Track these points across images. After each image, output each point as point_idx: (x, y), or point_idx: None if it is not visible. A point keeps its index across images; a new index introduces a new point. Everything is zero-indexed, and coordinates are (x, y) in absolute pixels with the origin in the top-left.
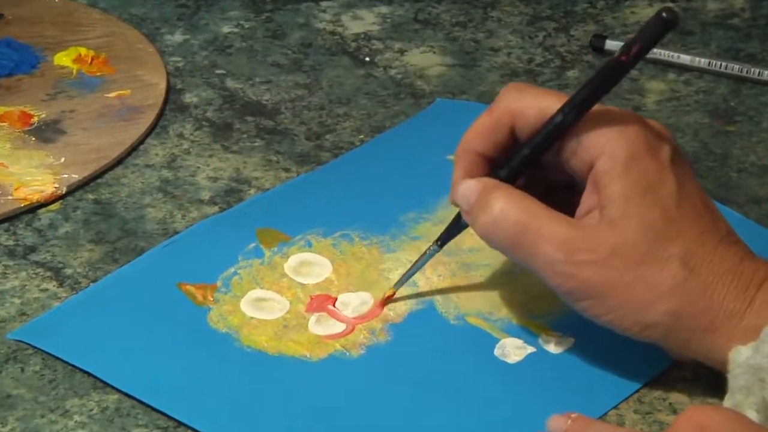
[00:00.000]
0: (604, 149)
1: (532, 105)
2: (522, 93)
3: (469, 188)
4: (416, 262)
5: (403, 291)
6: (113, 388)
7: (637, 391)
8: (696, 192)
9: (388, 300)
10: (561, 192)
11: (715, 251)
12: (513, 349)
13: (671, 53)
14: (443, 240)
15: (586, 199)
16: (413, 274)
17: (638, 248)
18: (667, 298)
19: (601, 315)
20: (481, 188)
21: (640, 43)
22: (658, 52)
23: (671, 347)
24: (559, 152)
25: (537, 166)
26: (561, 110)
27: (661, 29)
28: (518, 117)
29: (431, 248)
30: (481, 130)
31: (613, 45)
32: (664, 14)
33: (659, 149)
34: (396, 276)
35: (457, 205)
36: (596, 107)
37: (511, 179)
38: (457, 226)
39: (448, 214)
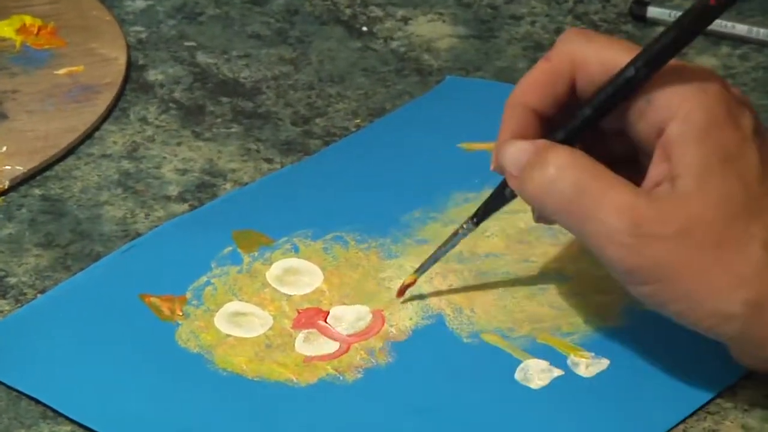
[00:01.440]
0: (678, 111)
1: (596, 55)
2: (586, 40)
3: (520, 149)
4: (446, 242)
5: (406, 303)
6: (65, 417)
7: (682, 421)
8: None
9: (407, 288)
10: (620, 166)
11: None
12: (537, 373)
13: (725, 23)
14: (480, 216)
15: (655, 170)
16: (439, 258)
17: (716, 225)
18: (747, 286)
19: (667, 303)
20: (535, 149)
21: None
22: None
23: (746, 348)
24: (624, 113)
25: (596, 133)
26: (632, 63)
27: None
28: (580, 68)
29: (465, 226)
30: (537, 80)
31: (656, 12)
32: None
33: (740, 118)
34: (397, 283)
35: (500, 171)
36: (671, 62)
37: (567, 144)
38: (498, 198)
39: (460, 213)
